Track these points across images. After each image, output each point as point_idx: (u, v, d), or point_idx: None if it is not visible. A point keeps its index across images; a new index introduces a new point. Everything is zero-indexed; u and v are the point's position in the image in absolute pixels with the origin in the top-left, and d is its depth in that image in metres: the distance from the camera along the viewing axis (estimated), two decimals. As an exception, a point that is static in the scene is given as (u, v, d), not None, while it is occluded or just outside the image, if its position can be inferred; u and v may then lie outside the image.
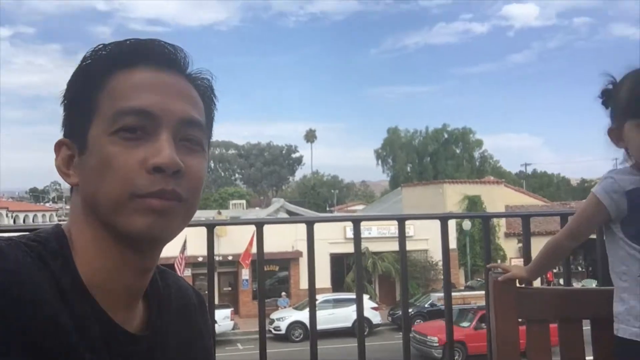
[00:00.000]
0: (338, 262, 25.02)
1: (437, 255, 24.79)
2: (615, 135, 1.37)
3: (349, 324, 18.17)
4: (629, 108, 1.32)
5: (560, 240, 1.44)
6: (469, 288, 24.34)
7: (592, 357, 1.41)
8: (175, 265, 16.11)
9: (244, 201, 40.08)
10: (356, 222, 2.05)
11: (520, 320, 1.41)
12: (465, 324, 16.42)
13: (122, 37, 0.78)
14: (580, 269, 25.98)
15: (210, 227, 1.91)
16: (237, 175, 68.30)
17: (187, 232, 0.78)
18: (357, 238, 2.08)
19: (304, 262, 24.02)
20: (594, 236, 1.53)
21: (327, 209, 54.93)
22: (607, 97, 1.40)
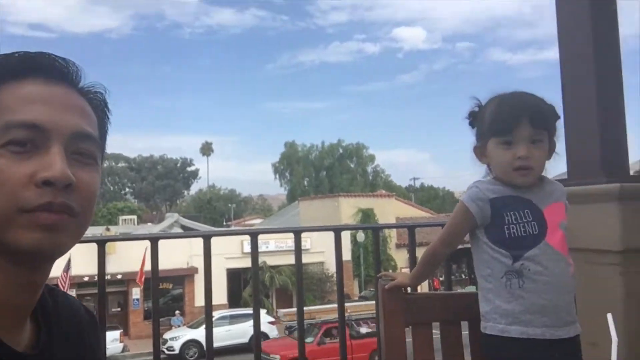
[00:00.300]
0: (235, 277, 24.71)
1: (333, 267, 25.21)
2: (480, 152, 1.54)
3: (245, 339, 17.94)
4: (492, 128, 1.48)
5: (435, 248, 1.57)
6: (362, 298, 25.04)
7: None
8: (59, 285, 15.04)
9: (135, 217, 38.31)
10: (254, 235, 2.07)
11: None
12: (309, 339, 15.71)
13: (-1, 42, 0.74)
14: (463, 276, 27.73)
15: (102, 243, 1.85)
16: (127, 189, 65.15)
17: (72, 250, 0.76)
18: (254, 251, 2.10)
19: (199, 278, 23.41)
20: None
21: (224, 223, 54.06)
22: (473, 118, 1.56)
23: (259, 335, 2.32)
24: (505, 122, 1.45)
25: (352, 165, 58.34)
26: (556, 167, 1.67)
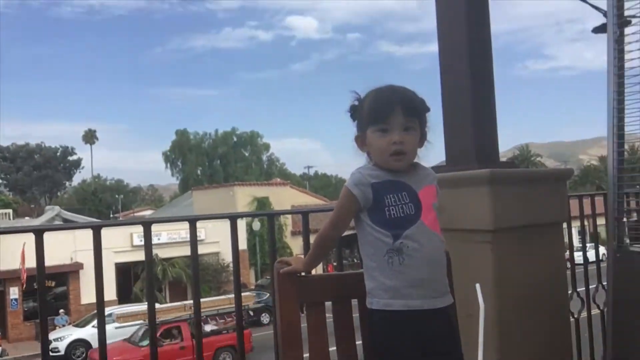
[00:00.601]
0: (125, 272, 23.64)
1: (228, 257, 25.05)
2: (360, 141, 1.66)
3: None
4: (369, 117, 1.60)
5: (325, 231, 1.67)
6: (259, 287, 25.15)
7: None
8: None
9: (9, 210, 35.22)
10: (147, 225, 2.03)
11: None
12: (144, 342, 14.46)
13: None
14: (355, 260, 28.78)
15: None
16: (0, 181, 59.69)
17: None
18: (148, 242, 2.06)
19: (84, 274, 22.12)
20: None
21: (111, 215, 51.40)
22: (354, 111, 1.67)
23: (154, 329, 2.29)
24: (381, 111, 1.58)
25: (246, 154, 57.94)
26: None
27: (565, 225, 2.50)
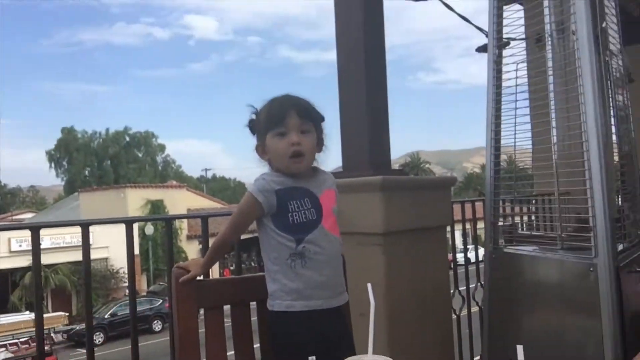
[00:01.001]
0: (1, 279, 21.72)
1: (118, 263, 23.84)
2: (261, 150, 1.70)
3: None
4: (267, 123, 1.66)
5: (225, 235, 1.69)
6: (151, 293, 24.20)
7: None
8: None
9: None
10: (35, 229, 1.91)
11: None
12: None
13: None
14: (253, 264, 28.61)
15: None
16: None
17: None
18: (36, 249, 1.94)
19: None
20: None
21: (-16, 219, 46.87)
22: (252, 125, 1.72)
23: (42, 341, 2.15)
24: (277, 115, 1.64)
25: (140, 155, 55.44)
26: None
27: (449, 228, 2.69)
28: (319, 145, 1.71)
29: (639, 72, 3.77)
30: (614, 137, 2.10)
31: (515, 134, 2.20)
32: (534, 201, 2.51)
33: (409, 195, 2.38)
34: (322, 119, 1.73)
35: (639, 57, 4.99)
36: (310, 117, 1.67)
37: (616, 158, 2.07)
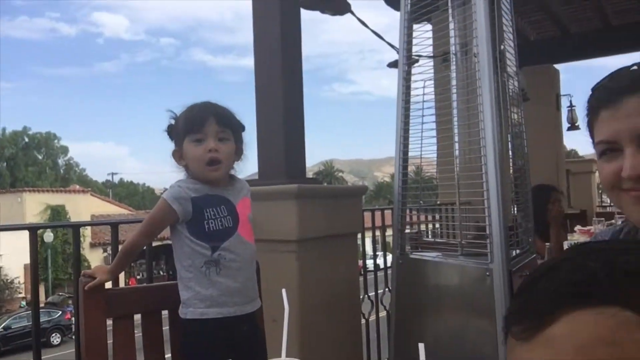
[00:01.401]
0: None
1: (12, 272, 22.19)
2: (178, 155, 1.69)
3: None
4: (185, 128, 1.66)
5: (136, 240, 1.67)
6: (50, 304, 22.70)
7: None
8: None
9: None
10: None
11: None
12: None
13: None
14: (162, 272, 27.66)
15: None
16: None
17: None
18: None
19: None
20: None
21: None
22: (171, 130, 1.71)
23: None
24: (195, 121, 1.64)
25: (40, 157, 52.00)
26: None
27: (359, 235, 2.79)
28: (238, 154, 1.73)
29: (532, 92, 4.10)
30: (510, 152, 2.28)
31: (422, 146, 2.33)
32: (438, 210, 2.66)
33: (323, 203, 2.45)
34: (242, 128, 1.75)
35: (532, 78, 5.44)
36: (229, 125, 1.68)
37: (511, 171, 2.25)
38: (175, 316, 1.63)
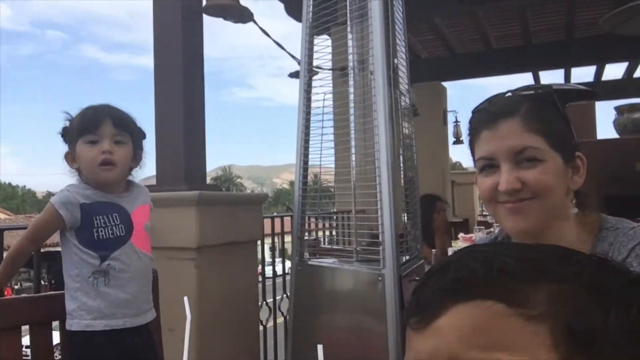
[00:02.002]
0: None
1: None
2: (70, 157, 1.63)
3: None
4: (79, 129, 1.61)
5: (22, 246, 1.59)
6: None
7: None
8: None
9: None
10: None
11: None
12: None
13: None
14: (43, 282, 25.72)
15: None
16: None
17: None
18: None
19: None
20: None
21: None
22: (65, 133, 1.65)
23: None
24: (90, 122, 1.60)
25: None
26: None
27: (259, 242, 2.82)
28: (136, 160, 1.69)
29: (422, 107, 4.38)
30: (401, 164, 2.44)
31: (321, 156, 2.41)
32: (335, 217, 2.76)
33: (223, 210, 2.45)
34: (142, 135, 1.71)
35: (422, 94, 5.79)
36: (127, 129, 1.64)
37: (402, 182, 2.41)
38: (63, 328, 1.56)
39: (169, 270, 2.14)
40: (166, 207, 2.24)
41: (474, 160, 1.11)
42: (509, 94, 1.09)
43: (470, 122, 1.12)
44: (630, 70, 7.22)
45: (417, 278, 2.14)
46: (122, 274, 1.56)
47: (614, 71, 7.71)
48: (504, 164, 1.02)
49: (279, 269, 3.63)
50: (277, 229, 3.49)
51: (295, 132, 2.48)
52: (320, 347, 0.94)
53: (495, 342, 0.39)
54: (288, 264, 3.28)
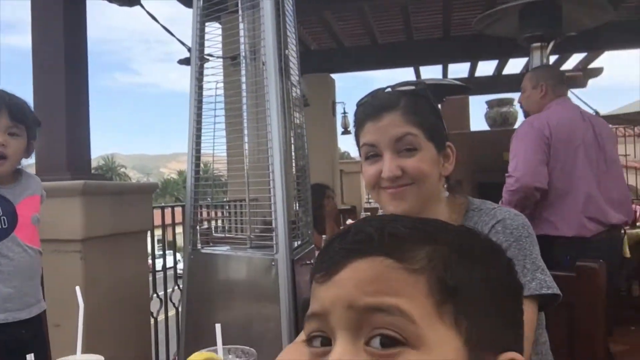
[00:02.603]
0: None
1: None
2: None
3: None
4: None
5: None
6: None
7: None
8: None
9: None
10: None
11: None
12: None
13: None
14: None
15: None
16: None
17: None
18: None
19: None
20: None
21: None
22: None
23: None
24: None
25: None
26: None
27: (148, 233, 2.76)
28: (28, 151, 1.61)
29: (312, 98, 4.49)
30: (293, 153, 2.50)
31: (214, 145, 2.41)
32: (227, 206, 2.77)
33: (111, 200, 2.37)
34: (37, 123, 1.63)
35: (312, 85, 5.93)
36: (24, 121, 1.57)
37: (294, 171, 2.48)
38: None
39: (54, 264, 2.05)
40: (49, 197, 2.13)
41: (359, 149, 1.20)
42: (389, 89, 1.19)
43: (356, 114, 1.21)
44: (499, 68, 7.91)
45: (308, 262, 2.24)
46: (4, 268, 1.49)
47: (486, 68, 8.42)
48: (386, 153, 1.12)
49: (169, 261, 3.58)
50: (168, 220, 3.43)
51: (185, 120, 2.46)
52: (218, 327, 0.98)
53: (384, 290, 0.48)
54: (179, 256, 3.24)
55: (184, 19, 2.49)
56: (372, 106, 1.16)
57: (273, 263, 2.05)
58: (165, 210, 3.39)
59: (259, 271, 2.12)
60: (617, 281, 2.91)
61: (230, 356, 0.94)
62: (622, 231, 2.86)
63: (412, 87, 1.18)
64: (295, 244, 2.24)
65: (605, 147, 2.63)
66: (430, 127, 1.13)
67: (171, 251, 3.81)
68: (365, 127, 1.16)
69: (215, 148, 2.40)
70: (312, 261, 2.32)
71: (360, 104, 1.20)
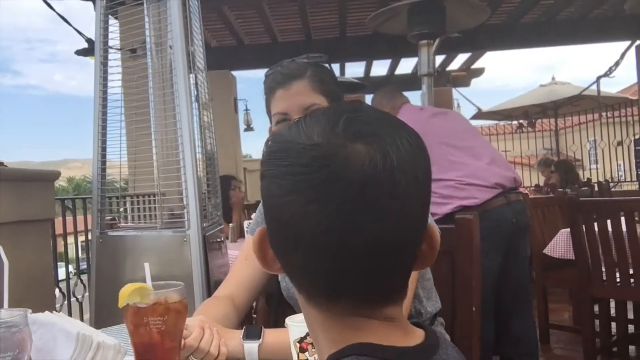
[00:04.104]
0: None
1: None
2: None
3: None
4: None
5: None
6: None
7: None
8: None
9: None
10: None
11: None
12: None
13: None
14: None
15: None
16: None
17: None
18: None
19: None
20: None
21: None
22: None
23: None
24: None
25: None
26: None
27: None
28: None
29: (213, 95, 4.53)
30: (200, 141, 2.56)
31: (121, 140, 2.39)
32: (136, 198, 2.76)
33: (8, 186, 2.31)
34: None
35: (213, 81, 5.95)
36: None
37: (204, 158, 2.54)
38: None
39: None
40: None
41: (270, 116, 1.34)
42: (293, 60, 1.34)
43: (265, 83, 1.35)
44: (392, 68, 8.39)
45: (218, 240, 2.34)
46: None
47: (380, 69, 8.88)
48: (295, 118, 1.26)
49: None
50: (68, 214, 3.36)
51: (78, 124, 2.46)
52: (147, 265, 1.07)
53: None
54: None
55: (74, 14, 2.46)
56: (282, 74, 1.30)
57: (185, 239, 2.13)
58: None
59: (171, 248, 2.18)
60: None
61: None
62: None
63: (317, 58, 1.34)
64: (204, 224, 2.32)
65: (459, 127, 2.78)
66: (333, 94, 1.30)
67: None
68: (276, 94, 1.30)
69: (123, 143, 2.38)
70: (222, 239, 2.42)
71: (270, 74, 1.34)
